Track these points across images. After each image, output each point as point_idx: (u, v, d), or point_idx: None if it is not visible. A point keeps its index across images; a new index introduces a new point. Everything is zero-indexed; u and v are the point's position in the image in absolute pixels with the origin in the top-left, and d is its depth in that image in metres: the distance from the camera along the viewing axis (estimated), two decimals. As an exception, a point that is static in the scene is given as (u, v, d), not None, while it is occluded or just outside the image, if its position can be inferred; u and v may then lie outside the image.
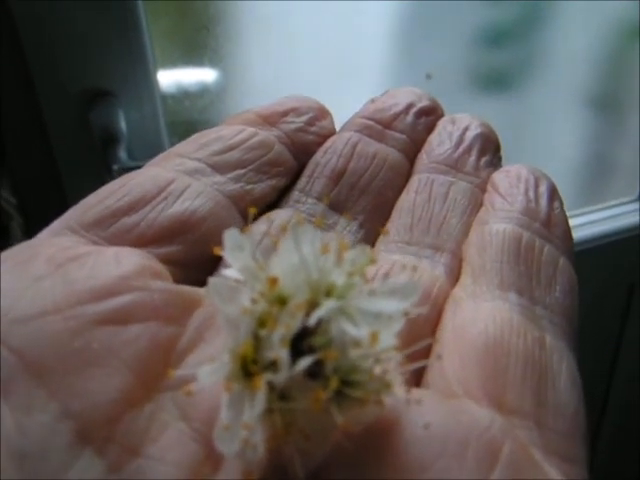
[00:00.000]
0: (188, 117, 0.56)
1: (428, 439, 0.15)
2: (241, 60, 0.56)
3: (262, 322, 0.13)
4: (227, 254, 0.15)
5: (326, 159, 0.25)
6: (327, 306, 0.13)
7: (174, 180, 0.21)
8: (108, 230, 0.19)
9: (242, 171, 0.23)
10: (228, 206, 0.22)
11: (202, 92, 0.57)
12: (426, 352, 0.19)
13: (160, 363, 0.16)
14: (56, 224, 0.19)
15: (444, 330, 0.20)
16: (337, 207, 0.24)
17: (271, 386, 0.13)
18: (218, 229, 0.20)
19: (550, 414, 0.17)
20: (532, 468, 0.16)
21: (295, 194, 0.24)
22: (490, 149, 0.26)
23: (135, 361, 0.16)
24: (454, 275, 0.22)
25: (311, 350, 0.13)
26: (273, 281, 0.14)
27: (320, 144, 0.25)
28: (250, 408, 0.13)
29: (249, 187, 0.22)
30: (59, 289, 0.16)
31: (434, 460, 0.15)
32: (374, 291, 0.14)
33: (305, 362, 0.13)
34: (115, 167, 0.50)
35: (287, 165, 0.24)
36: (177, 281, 0.18)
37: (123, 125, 0.52)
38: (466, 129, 0.26)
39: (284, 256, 0.14)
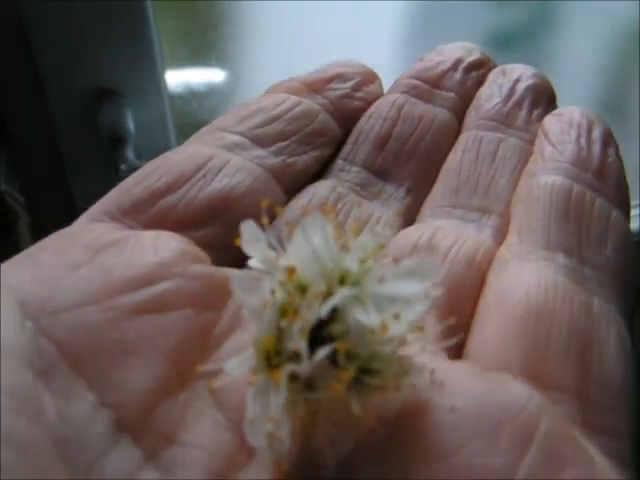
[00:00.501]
0: (196, 117, 0.56)
1: (460, 421, 0.15)
2: (249, 60, 0.56)
3: (284, 312, 0.14)
4: (245, 246, 0.15)
5: (370, 124, 0.24)
6: (340, 294, 0.13)
7: (213, 156, 0.21)
8: (147, 213, 0.19)
9: (284, 143, 0.22)
10: (269, 180, 0.21)
11: (210, 92, 0.57)
12: (469, 321, 0.18)
13: (196, 351, 0.16)
14: (95, 209, 0.19)
15: (486, 296, 0.19)
16: (383, 174, 0.23)
17: (294, 376, 0.13)
18: (258, 205, 0.20)
19: (594, 387, 0.17)
20: (570, 447, 0.15)
21: (339, 163, 0.23)
22: (543, 101, 0.25)
23: (171, 350, 0.16)
24: (503, 237, 0.21)
25: (332, 338, 0.13)
26: (291, 271, 0.14)
27: (367, 110, 0.25)
28: (274, 400, 0.13)
29: (291, 160, 0.22)
30: (96, 278, 0.16)
31: (465, 443, 0.14)
32: (391, 274, 0.14)
33: (323, 352, 0.13)
34: (122, 167, 0.50)
35: (332, 134, 0.24)
36: (217, 263, 0.18)
37: (131, 125, 0.52)
38: (517, 80, 0.25)
39: (298, 247, 0.14)
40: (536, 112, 0.24)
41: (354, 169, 0.23)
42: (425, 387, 0.14)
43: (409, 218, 0.22)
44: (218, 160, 0.21)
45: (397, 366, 0.14)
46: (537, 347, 0.17)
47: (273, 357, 0.13)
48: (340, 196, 0.22)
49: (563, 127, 0.23)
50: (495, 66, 0.26)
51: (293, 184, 0.22)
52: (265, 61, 0.56)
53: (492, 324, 0.18)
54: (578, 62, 0.67)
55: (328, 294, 0.14)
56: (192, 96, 0.56)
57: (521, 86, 0.25)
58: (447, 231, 0.20)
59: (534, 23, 0.64)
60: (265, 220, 0.15)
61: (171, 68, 0.53)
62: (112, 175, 0.52)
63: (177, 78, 0.54)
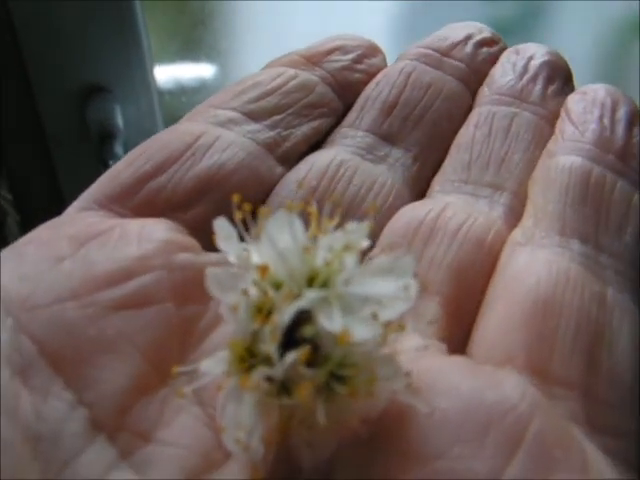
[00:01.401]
0: (185, 112, 0.55)
1: (444, 423, 0.14)
2: (238, 55, 0.56)
3: (259, 311, 0.13)
4: (219, 243, 0.14)
5: (377, 91, 0.23)
6: (306, 297, 0.13)
7: (203, 133, 0.20)
8: (135, 198, 0.19)
9: (280, 116, 0.22)
10: (262, 155, 0.21)
11: (199, 87, 0.56)
12: (477, 307, 0.18)
13: (177, 346, 0.16)
14: (84, 197, 0.19)
15: (496, 282, 0.18)
16: (389, 138, 0.22)
17: (268, 379, 0.13)
18: (250, 181, 0.20)
19: (601, 383, 0.16)
20: (562, 449, 0.14)
21: (343, 130, 0.23)
22: (559, 77, 0.24)
23: (149, 346, 0.15)
24: (515, 216, 0.20)
25: (305, 340, 0.13)
26: (264, 269, 0.13)
27: (369, 82, 0.24)
28: (245, 407, 0.13)
29: (287, 132, 0.21)
30: (78, 273, 0.16)
31: (449, 447, 0.14)
32: (366, 272, 0.14)
33: (291, 357, 0.13)
34: (111, 163, 0.50)
35: (331, 106, 0.23)
36: (210, 245, 0.18)
37: (120, 121, 0.52)
38: (531, 58, 0.24)
39: (266, 246, 0.14)
40: (551, 88, 0.23)
41: (359, 134, 0.22)
42: (408, 388, 0.14)
43: (415, 188, 0.21)
44: (208, 137, 0.20)
45: (369, 371, 0.13)
46: (543, 339, 0.16)
47: (248, 358, 0.13)
48: (342, 162, 0.21)
49: (586, 106, 0.22)
50: (506, 47, 0.25)
51: (290, 156, 0.21)
52: (254, 56, 0.55)
53: (499, 312, 0.17)
54: (573, 58, 0.67)
55: (297, 295, 0.13)
56: (181, 91, 0.56)
57: (535, 63, 0.24)
58: (457, 207, 0.20)
59: (526, 18, 0.64)
60: (247, 207, 0.15)
61: (160, 63, 0.53)
62: (101, 171, 0.52)
63: (166, 73, 0.54)
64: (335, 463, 0.14)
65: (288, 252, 0.13)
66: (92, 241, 0.17)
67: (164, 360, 0.16)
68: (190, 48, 0.55)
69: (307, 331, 0.13)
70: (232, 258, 0.14)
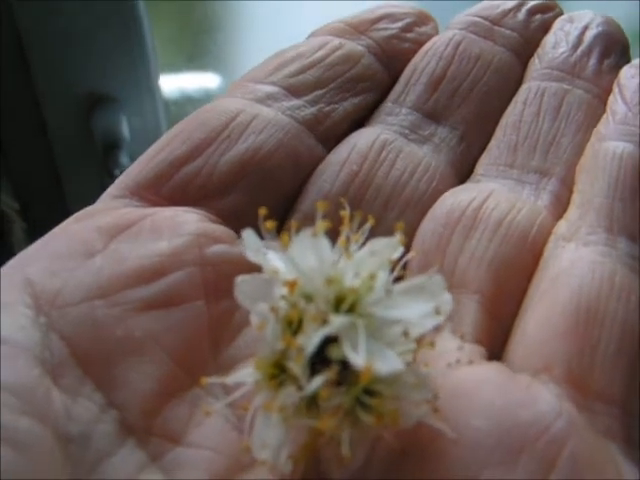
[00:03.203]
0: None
1: (477, 444, 0.14)
2: (244, 64, 0.56)
3: (289, 325, 0.13)
4: (249, 254, 0.14)
5: (424, 63, 0.22)
6: (333, 324, 0.13)
7: (241, 111, 0.19)
8: (168, 185, 0.18)
9: (321, 91, 0.21)
10: (302, 134, 0.20)
11: (205, 97, 0.56)
12: (518, 307, 0.17)
13: (208, 344, 0.16)
14: (117, 183, 0.19)
15: (538, 281, 0.17)
16: (435, 116, 0.21)
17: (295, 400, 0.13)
18: (288, 165, 0.19)
19: None
20: (597, 471, 0.14)
21: (387, 106, 0.21)
22: (615, 50, 0.22)
23: (178, 348, 0.15)
24: (561, 205, 0.19)
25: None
26: (292, 285, 0.13)
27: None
28: (271, 427, 0.13)
29: (328, 108, 0.21)
30: (107, 270, 0.16)
31: (480, 470, 0.13)
32: (397, 293, 0.14)
33: (318, 381, 0.12)
34: (117, 172, 0.50)
35: (376, 78, 0.22)
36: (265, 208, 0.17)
37: (125, 130, 0.52)
38: (586, 27, 0.23)
39: (295, 261, 0.14)
40: (607, 62, 0.22)
41: (404, 111, 0.21)
42: (435, 414, 0.14)
43: (460, 170, 0.21)
44: (246, 115, 0.19)
45: (394, 401, 0.13)
46: (584, 349, 0.15)
47: (276, 374, 0.13)
48: (385, 144, 0.20)
49: None
50: (562, 13, 0.24)
51: (332, 134, 0.21)
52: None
53: (539, 316, 0.16)
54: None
55: (325, 317, 0.13)
56: (187, 101, 0.56)
57: (590, 34, 0.22)
58: (501, 196, 0.19)
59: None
60: (270, 225, 0.14)
61: (166, 73, 0.53)
62: (106, 181, 0.52)
63: (172, 83, 0.54)
64: (365, 478, 0.14)
65: (314, 274, 0.13)
66: (123, 234, 0.17)
67: (194, 361, 0.15)
68: (196, 58, 0.55)
69: (334, 353, 0.13)
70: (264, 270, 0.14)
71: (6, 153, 0.51)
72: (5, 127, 0.50)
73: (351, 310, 0.13)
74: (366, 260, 0.14)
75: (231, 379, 0.14)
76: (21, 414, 0.13)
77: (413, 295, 0.14)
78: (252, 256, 0.14)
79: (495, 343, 0.17)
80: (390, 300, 0.13)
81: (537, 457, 0.14)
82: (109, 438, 0.14)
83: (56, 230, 0.17)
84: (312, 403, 0.13)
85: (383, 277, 0.13)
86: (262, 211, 0.15)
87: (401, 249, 0.14)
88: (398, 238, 0.14)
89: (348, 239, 0.14)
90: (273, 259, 0.14)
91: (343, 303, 0.13)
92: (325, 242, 0.14)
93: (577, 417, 0.15)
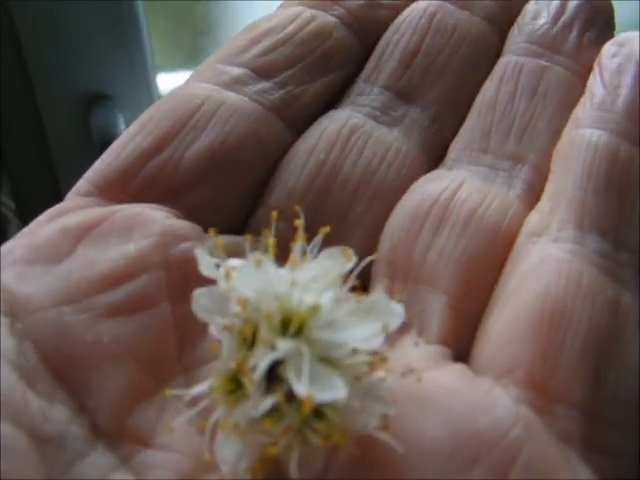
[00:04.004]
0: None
1: (433, 454, 0.14)
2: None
3: (243, 340, 0.13)
4: (204, 271, 0.14)
5: (398, 36, 0.21)
6: (280, 349, 0.13)
7: (207, 98, 0.19)
8: (134, 180, 0.18)
9: (291, 71, 0.20)
10: (269, 120, 0.19)
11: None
12: (485, 303, 0.17)
13: (174, 347, 0.16)
14: (84, 179, 0.18)
15: (506, 279, 0.17)
16: (407, 95, 0.20)
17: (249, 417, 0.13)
18: (255, 155, 0.19)
19: (605, 403, 0.15)
20: (553, 473, 0.14)
21: (359, 85, 0.21)
22: (598, 22, 0.21)
23: (144, 352, 0.15)
24: (535, 193, 0.18)
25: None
26: (244, 303, 0.13)
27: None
28: (227, 443, 0.13)
29: (298, 90, 0.20)
30: (75, 275, 0.16)
31: (436, 478, 0.13)
32: (344, 313, 0.13)
33: (268, 403, 0.13)
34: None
35: (349, 52, 0.21)
36: (214, 226, 0.17)
37: (122, 129, 0.52)
38: None
39: (243, 280, 0.14)
40: (588, 35, 0.21)
41: (375, 90, 0.20)
42: (386, 430, 0.14)
43: (433, 152, 0.20)
44: (212, 103, 0.19)
45: (340, 426, 0.13)
46: (547, 352, 0.15)
47: (234, 388, 0.13)
48: (354, 129, 0.19)
49: (621, 64, 0.19)
50: None
51: (300, 118, 0.20)
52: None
53: (505, 316, 0.16)
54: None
55: (272, 341, 0.13)
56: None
57: (573, 3, 0.21)
58: (472, 187, 0.18)
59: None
60: (221, 242, 0.15)
61: (163, 72, 0.53)
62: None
63: (169, 82, 0.54)
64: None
65: (261, 298, 0.13)
66: (89, 236, 0.16)
67: (160, 364, 0.16)
68: (193, 56, 0.55)
69: (284, 374, 0.13)
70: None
71: (3, 152, 0.51)
72: (2, 126, 0.50)
73: (298, 333, 0.13)
74: (311, 283, 0.14)
75: (193, 391, 0.14)
76: (2, 418, 0.13)
77: (360, 316, 0.13)
78: (206, 272, 0.14)
79: (463, 342, 0.17)
80: (336, 323, 0.13)
81: (492, 466, 0.14)
82: (82, 440, 0.14)
83: (25, 231, 0.17)
84: (265, 420, 0.13)
85: (329, 299, 0.13)
86: (211, 232, 0.15)
87: (352, 263, 0.14)
88: (350, 252, 0.14)
89: (302, 253, 0.14)
90: (229, 270, 0.14)
91: (290, 326, 0.13)
92: (270, 268, 0.14)
93: (535, 422, 0.14)
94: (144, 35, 0.50)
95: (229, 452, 0.13)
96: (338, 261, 0.14)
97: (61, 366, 0.15)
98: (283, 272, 0.14)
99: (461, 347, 0.17)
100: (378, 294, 0.14)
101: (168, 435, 0.15)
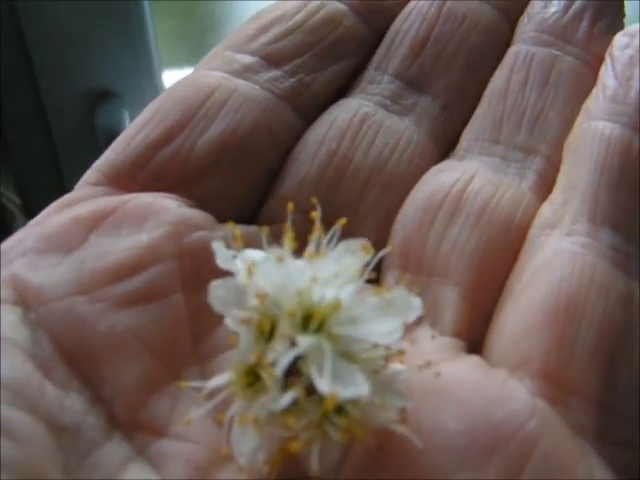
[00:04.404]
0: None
1: (451, 447, 0.14)
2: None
3: (261, 333, 0.13)
4: (221, 264, 0.14)
5: (408, 24, 0.21)
6: (300, 345, 0.13)
7: (218, 87, 0.19)
8: (145, 170, 0.18)
9: (302, 59, 0.20)
10: (281, 109, 0.19)
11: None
12: (499, 294, 0.17)
13: (188, 337, 0.16)
14: (94, 169, 0.18)
15: (519, 271, 0.17)
16: (417, 84, 0.20)
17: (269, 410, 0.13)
18: (266, 144, 0.19)
19: (619, 396, 0.15)
20: (569, 468, 0.14)
21: (369, 73, 0.20)
22: (609, 12, 0.21)
23: (158, 343, 0.15)
24: (547, 184, 0.18)
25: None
26: (262, 296, 0.13)
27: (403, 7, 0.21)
28: (246, 435, 0.13)
29: (308, 78, 0.20)
30: (87, 265, 0.16)
31: (453, 472, 0.13)
32: (365, 309, 0.13)
33: (289, 397, 0.12)
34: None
35: (359, 39, 0.21)
36: (225, 216, 0.17)
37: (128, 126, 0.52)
38: None
39: (264, 276, 0.13)
40: (599, 25, 0.20)
41: (385, 79, 0.20)
42: (404, 424, 0.14)
43: (444, 141, 0.20)
44: (222, 91, 0.19)
45: (362, 421, 0.13)
46: (561, 345, 0.15)
47: (252, 381, 0.13)
48: (365, 118, 0.19)
49: (633, 55, 0.19)
50: None
51: (311, 107, 0.20)
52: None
53: (519, 308, 0.16)
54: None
55: (293, 336, 0.13)
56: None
57: None
58: (484, 178, 0.18)
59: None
60: (238, 232, 0.14)
61: (168, 69, 0.53)
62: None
63: (174, 79, 0.54)
64: (343, 474, 0.14)
65: (282, 294, 0.13)
66: (102, 225, 0.16)
67: (174, 354, 0.15)
68: (198, 53, 0.55)
69: (304, 369, 0.13)
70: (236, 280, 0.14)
71: (9, 149, 0.51)
72: (8, 123, 0.50)
73: (319, 329, 0.13)
74: (332, 279, 0.13)
75: (210, 384, 0.14)
76: (15, 407, 0.13)
77: (380, 311, 0.13)
78: (223, 264, 0.14)
79: (476, 334, 0.17)
80: (357, 319, 0.13)
81: (509, 458, 0.14)
82: (98, 430, 0.14)
83: (35, 221, 0.17)
84: (284, 414, 0.13)
85: (349, 294, 0.13)
86: (231, 226, 0.15)
87: (369, 256, 0.14)
88: (367, 244, 0.14)
89: (318, 247, 0.14)
90: (245, 262, 0.14)
91: (311, 322, 0.13)
92: (291, 264, 0.13)
93: (551, 415, 0.14)
94: (150, 32, 0.50)
95: (247, 445, 0.13)
96: (358, 256, 0.14)
97: (76, 356, 0.15)
98: (303, 266, 0.14)
99: (474, 339, 0.17)
100: (399, 290, 0.14)
101: (185, 427, 0.14)
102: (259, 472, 0.13)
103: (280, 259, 0.13)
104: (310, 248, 0.14)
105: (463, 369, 0.15)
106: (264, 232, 0.14)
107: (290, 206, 0.15)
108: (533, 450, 0.14)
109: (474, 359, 0.16)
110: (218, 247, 0.14)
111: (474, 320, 0.17)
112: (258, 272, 0.13)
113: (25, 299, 0.15)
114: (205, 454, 0.14)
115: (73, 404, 0.14)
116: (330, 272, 0.13)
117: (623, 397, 0.15)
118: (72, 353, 0.15)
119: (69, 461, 0.13)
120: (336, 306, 0.13)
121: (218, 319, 0.15)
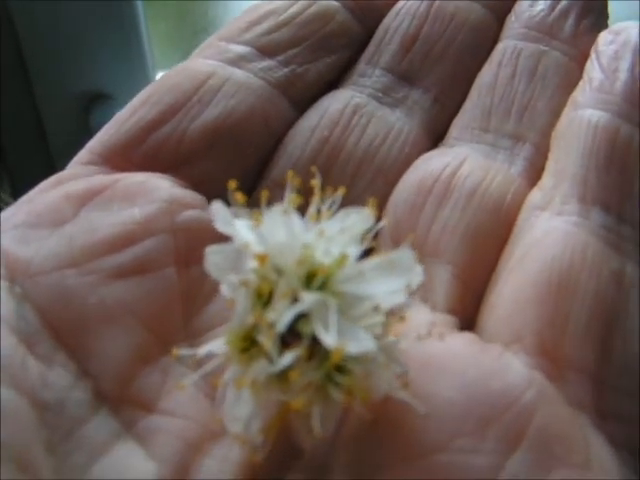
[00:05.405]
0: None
1: (447, 414, 0.14)
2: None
3: (259, 297, 0.13)
4: (219, 226, 0.14)
5: (397, 22, 0.21)
6: (303, 302, 0.13)
7: (212, 74, 0.19)
8: (139, 151, 0.18)
9: (295, 50, 0.20)
10: (274, 97, 0.19)
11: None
12: (490, 275, 0.17)
13: (180, 311, 0.16)
14: (87, 148, 0.18)
15: (511, 250, 0.17)
16: (408, 78, 0.21)
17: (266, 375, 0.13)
18: (260, 130, 0.19)
19: (614, 370, 0.15)
20: (564, 445, 0.14)
21: (360, 67, 0.21)
22: (594, 11, 0.21)
23: (149, 316, 0.15)
24: (536, 171, 0.19)
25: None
26: (263, 258, 0.13)
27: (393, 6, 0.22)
28: (242, 401, 0.13)
29: (301, 69, 0.20)
30: (78, 239, 0.16)
31: (450, 439, 0.13)
32: (368, 268, 0.13)
33: (289, 357, 0.12)
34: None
35: (351, 35, 0.21)
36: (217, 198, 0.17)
37: (122, 128, 0.52)
38: None
39: (264, 241, 0.13)
40: (584, 22, 0.21)
41: (377, 72, 0.21)
42: (405, 388, 0.14)
43: (434, 133, 0.20)
44: (217, 78, 0.19)
45: (365, 379, 0.13)
46: (555, 320, 0.15)
47: (247, 347, 0.13)
48: (357, 108, 0.20)
49: (618, 50, 0.20)
50: None
51: (304, 97, 0.20)
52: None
53: (511, 286, 0.16)
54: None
55: (296, 294, 0.13)
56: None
57: None
58: (475, 163, 0.18)
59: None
60: (241, 198, 0.14)
61: (162, 70, 0.53)
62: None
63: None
64: (335, 448, 0.14)
65: (285, 251, 0.13)
66: (93, 201, 0.16)
67: (166, 328, 0.15)
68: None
69: (305, 329, 0.13)
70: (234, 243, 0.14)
71: (4, 151, 0.51)
72: (3, 125, 0.50)
73: (322, 287, 0.13)
74: (337, 236, 0.13)
75: (202, 350, 0.13)
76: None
77: (384, 271, 0.13)
78: (222, 227, 0.14)
79: (468, 312, 0.17)
80: (361, 276, 0.13)
81: (506, 428, 0.14)
82: (83, 406, 0.14)
83: (25, 198, 0.17)
84: (283, 377, 0.13)
85: (354, 253, 0.13)
86: (232, 184, 0.14)
87: (372, 221, 0.14)
88: (369, 211, 0.14)
89: (319, 211, 0.14)
90: (243, 229, 0.14)
91: (314, 280, 0.13)
92: (296, 219, 0.13)
93: (547, 387, 0.15)
94: (143, 34, 0.50)
95: (242, 411, 0.13)
96: (358, 220, 0.14)
97: (63, 330, 0.15)
98: (308, 223, 0.14)
99: (467, 317, 0.17)
100: (403, 250, 0.14)
101: (176, 394, 0.14)
102: (253, 441, 0.13)
103: (286, 212, 0.13)
104: (311, 210, 0.14)
105: (458, 343, 0.16)
106: (264, 197, 0.14)
107: (290, 173, 0.15)
108: (530, 420, 0.14)
109: (468, 335, 0.16)
110: (218, 208, 0.14)
111: (466, 298, 0.17)
112: (263, 225, 0.13)
113: (12, 273, 0.15)
114: (196, 430, 0.14)
115: (57, 379, 0.14)
116: (337, 229, 0.13)
117: (619, 372, 0.15)
118: (59, 326, 0.15)
119: (53, 438, 0.13)
120: (342, 261, 0.13)
121: (210, 295, 0.15)
